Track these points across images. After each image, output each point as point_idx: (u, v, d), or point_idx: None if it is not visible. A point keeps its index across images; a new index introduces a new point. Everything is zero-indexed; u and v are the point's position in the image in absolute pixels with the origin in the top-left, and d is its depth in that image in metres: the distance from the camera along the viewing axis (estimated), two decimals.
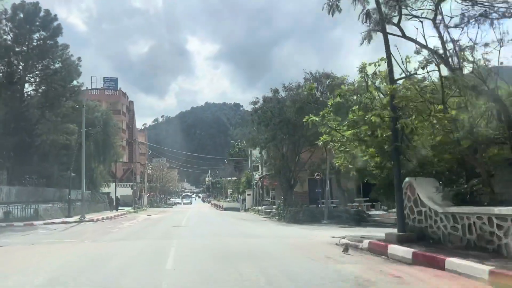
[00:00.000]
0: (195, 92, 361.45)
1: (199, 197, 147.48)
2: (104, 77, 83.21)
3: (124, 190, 72.54)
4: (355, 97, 12.40)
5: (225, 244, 14.19)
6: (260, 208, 45.16)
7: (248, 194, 52.40)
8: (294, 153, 31.08)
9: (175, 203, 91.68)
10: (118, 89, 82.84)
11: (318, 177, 28.96)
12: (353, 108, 12.27)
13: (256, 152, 58.18)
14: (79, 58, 38.75)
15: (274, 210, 37.31)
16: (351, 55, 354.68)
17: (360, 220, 26.35)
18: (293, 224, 26.61)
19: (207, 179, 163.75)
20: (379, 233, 13.35)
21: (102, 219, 33.19)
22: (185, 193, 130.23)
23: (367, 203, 31.33)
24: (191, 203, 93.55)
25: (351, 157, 13.30)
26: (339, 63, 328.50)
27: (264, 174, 44.75)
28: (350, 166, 13.68)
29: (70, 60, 37.83)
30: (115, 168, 59.83)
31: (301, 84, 29.41)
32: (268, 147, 30.83)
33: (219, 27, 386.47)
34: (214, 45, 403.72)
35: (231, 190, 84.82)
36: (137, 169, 79.66)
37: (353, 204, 31.21)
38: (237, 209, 52.16)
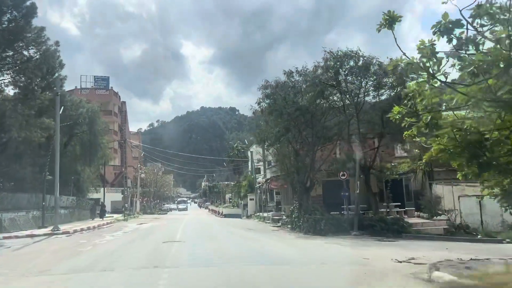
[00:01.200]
0: (190, 97, 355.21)
1: (195, 202, 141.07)
2: (94, 76, 77.48)
3: (116, 196, 66.48)
4: None
5: (247, 281, 8.54)
6: (265, 214, 39.43)
7: (251, 199, 46.71)
8: (311, 150, 25.41)
9: (170, 209, 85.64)
10: (110, 88, 77.05)
11: (344, 177, 23.30)
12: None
13: (258, 151, 52.52)
14: (56, 43, 32.88)
15: (284, 217, 31.64)
16: None
17: (400, 230, 20.71)
18: (314, 237, 20.98)
19: (203, 183, 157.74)
20: (457, 251, 7.89)
21: (82, 230, 27.36)
22: (180, 198, 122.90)
23: (399, 209, 25.71)
24: (186, 209, 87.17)
25: (463, 135, 7.62)
26: None
27: (270, 176, 39.15)
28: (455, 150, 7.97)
29: (46, 44, 32.00)
30: (103, 171, 53.81)
31: (320, 64, 23.78)
32: (281, 142, 25.09)
33: (213, 31, 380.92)
34: (208, 49, 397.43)
35: (230, 195, 79.01)
36: (130, 173, 73.78)
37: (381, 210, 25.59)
38: (238, 216, 46.40)
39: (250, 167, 62.10)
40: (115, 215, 50.12)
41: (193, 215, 58.78)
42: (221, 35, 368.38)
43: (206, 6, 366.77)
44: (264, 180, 42.20)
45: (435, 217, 22.59)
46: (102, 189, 65.18)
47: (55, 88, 29.49)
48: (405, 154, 30.03)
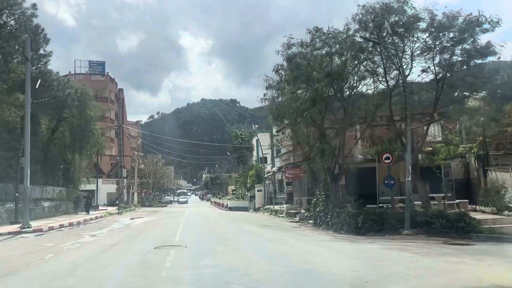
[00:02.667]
0: (190, 88, 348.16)
1: (195, 194, 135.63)
2: (89, 61, 71.92)
3: (112, 187, 61.10)
4: None
5: None
6: (276, 207, 34.26)
7: (258, 191, 41.50)
8: (341, 128, 20.13)
9: (171, 202, 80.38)
10: (105, 74, 71.57)
11: (388, 161, 18.01)
12: None
13: (264, 140, 47.29)
14: (34, 6, 27.51)
15: (303, 211, 26.46)
16: None
17: (467, 229, 15.50)
18: (353, 237, 15.92)
19: (204, 175, 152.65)
20: None
21: (60, 227, 22.14)
22: (181, 190, 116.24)
23: (449, 201, 20.50)
24: (187, 202, 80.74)
25: None
26: None
27: (281, 164, 33.94)
28: None
29: (20, 6, 26.66)
30: (97, 160, 48.55)
31: (354, 22, 18.39)
32: (304, 118, 19.71)
33: (212, 22, 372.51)
34: (207, 40, 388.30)
35: (233, 187, 73.85)
36: (127, 163, 68.54)
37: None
38: (245, 209, 41.22)
39: (255, 155, 56.91)
40: (110, 208, 44.96)
41: (194, 208, 53.58)
42: (219, 26, 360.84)
43: None
44: (275, 169, 36.91)
45: (506, 212, 17.39)
46: (99, 180, 60.74)
47: (27, 57, 23.71)
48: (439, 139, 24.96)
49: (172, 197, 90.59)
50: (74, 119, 40.24)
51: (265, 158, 56.27)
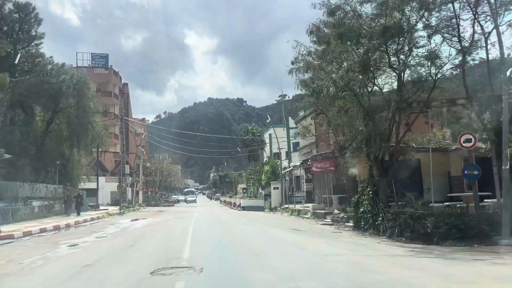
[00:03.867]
0: (197, 88, 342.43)
1: (203, 194, 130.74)
2: (92, 53, 67.43)
3: (116, 186, 56.88)
4: None
5: None
6: (298, 207, 29.49)
7: (275, 188, 36.71)
8: (397, 105, 15.30)
9: (178, 201, 75.71)
10: (109, 67, 67.07)
11: (469, 145, 13.17)
12: None
13: (277, 134, 42.51)
14: None
15: (336, 211, 21.63)
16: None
17: None
18: (428, 247, 11.37)
19: (212, 175, 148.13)
20: None
21: (41, 231, 17.50)
22: (188, 189, 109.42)
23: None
24: (196, 201, 73.17)
25: None
26: None
27: (301, 159, 29.22)
28: None
29: None
30: (97, 156, 44.05)
31: None
32: (349, 90, 14.86)
33: (217, 21, 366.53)
34: (212, 39, 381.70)
35: (243, 185, 69.16)
36: (132, 161, 64.07)
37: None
38: (260, 208, 36.45)
39: (268, 151, 52.18)
40: (112, 208, 40.40)
41: (204, 207, 48.78)
42: (224, 24, 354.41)
43: None
44: (296, 164, 32.05)
45: None
46: (101, 178, 56.25)
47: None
48: None
49: (179, 196, 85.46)
50: (71, 110, 35.73)
51: (277, 154, 51.51)
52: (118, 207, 41.91)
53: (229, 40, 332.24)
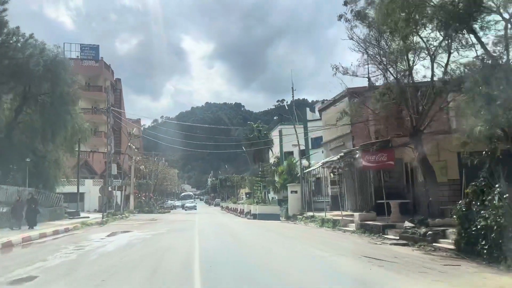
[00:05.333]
0: (193, 92, 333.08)
1: (201, 199, 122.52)
2: (81, 44, 60.15)
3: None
4: None
5: None
6: (329, 216, 22.27)
7: (293, 192, 29.41)
8: None
9: (174, 207, 68.00)
10: (100, 59, 59.82)
11: None
12: None
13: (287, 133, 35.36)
14: None
15: (408, 225, 14.28)
16: (348, 53, 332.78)
17: None
18: None
19: (209, 180, 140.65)
20: None
21: None
22: (186, 193, 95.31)
23: None
24: (196, 208, 61.24)
25: None
26: (336, 61, 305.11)
27: (327, 155, 21.87)
28: None
29: None
30: (78, 153, 36.67)
31: None
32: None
33: (213, 26, 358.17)
34: (208, 44, 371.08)
35: (246, 189, 61.85)
36: (124, 162, 56.64)
37: None
38: (275, 217, 28.92)
39: (278, 151, 44.90)
40: (95, 216, 32.95)
41: (205, 214, 40.92)
42: (220, 29, 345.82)
43: (205, 0, 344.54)
44: (329, 158, 24.65)
45: None
46: (85, 179, 48.80)
47: None
48: None
49: (176, 201, 77.23)
50: (46, 97, 28.56)
51: (290, 152, 44.30)
52: (106, 213, 34.61)
53: (226, 45, 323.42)
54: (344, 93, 24.01)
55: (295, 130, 30.27)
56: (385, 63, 14.25)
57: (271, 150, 50.62)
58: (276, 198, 34.48)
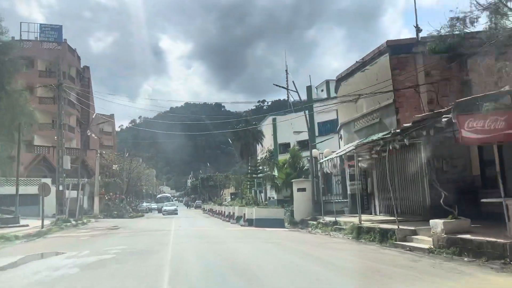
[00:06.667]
0: (172, 93, 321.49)
1: (180, 201, 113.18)
2: (40, 24, 51.37)
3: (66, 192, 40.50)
4: None
5: None
6: (361, 222, 14.81)
7: (300, 190, 21.67)
8: None
9: (150, 210, 59.46)
10: (63, 41, 51.08)
11: None
12: None
13: (281, 125, 28.00)
14: None
15: None
16: (327, 55, 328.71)
17: None
18: None
19: (189, 180, 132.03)
20: None
21: None
22: (163, 195, 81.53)
23: None
24: (177, 212, 48.85)
25: None
26: (315, 63, 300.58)
27: (352, 135, 14.52)
28: None
29: None
30: (18, 143, 28.14)
31: None
32: None
33: (191, 25, 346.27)
34: (186, 44, 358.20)
35: (231, 189, 54.10)
36: (91, 159, 48.08)
37: None
38: (278, 223, 20.84)
39: (275, 140, 37.32)
40: (38, 223, 24.56)
41: (186, 221, 31.82)
42: (198, 29, 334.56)
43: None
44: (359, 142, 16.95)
45: None
46: (41, 179, 40.00)
47: None
48: None
49: (152, 204, 68.11)
50: None
51: (286, 144, 36.84)
52: (55, 219, 26.43)
53: (204, 45, 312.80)
54: (381, 48, 16.69)
55: (305, 115, 22.66)
56: None
57: (261, 144, 42.98)
58: (275, 198, 26.95)
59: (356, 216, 15.68)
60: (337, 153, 17.48)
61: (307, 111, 23.24)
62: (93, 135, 43.50)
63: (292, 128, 34.00)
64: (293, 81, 22.01)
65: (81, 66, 57.24)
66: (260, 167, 32.08)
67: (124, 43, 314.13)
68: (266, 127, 42.49)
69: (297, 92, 21.79)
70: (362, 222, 14.99)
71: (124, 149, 60.58)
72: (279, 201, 25.71)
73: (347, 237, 15.11)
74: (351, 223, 15.73)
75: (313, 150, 22.40)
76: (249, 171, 35.03)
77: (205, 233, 18.15)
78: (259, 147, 43.53)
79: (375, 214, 19.08)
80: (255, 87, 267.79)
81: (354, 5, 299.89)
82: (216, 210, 36.53)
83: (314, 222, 19.80)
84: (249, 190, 37.26)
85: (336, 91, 22.56)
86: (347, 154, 17.13)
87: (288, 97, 26.77)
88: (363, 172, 21.22)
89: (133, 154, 59.41)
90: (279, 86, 21.44)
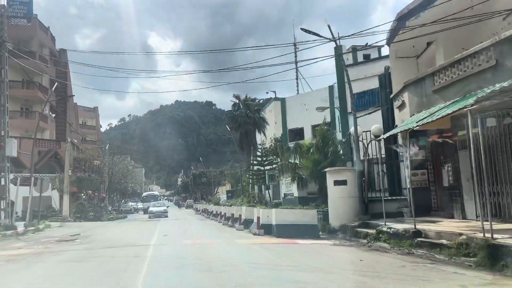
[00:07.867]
0: (162, 91, 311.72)
1: (170, 200, 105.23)
2: None
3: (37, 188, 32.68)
4: None
5: None
6: (443, 228, 7.86)
7: (338, 183, 14.71)
8: None
9: (135, 210, 51.97)
10: (33, 16, 43.38)
11: None
12: None
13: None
14: None
15: None
16: (318, 52, 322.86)
17: None
18: None
19: (179, 179, 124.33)
20: None
21: None
22: (149, 193, 67.59)
23: None
24: (167, 213, 38.00)
25: None
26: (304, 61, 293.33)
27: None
28: None
29: None
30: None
31: None
32: None
33: (180, 23, 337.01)
34: (175, 42, 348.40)
35: (227, 187, 46.99)
36: (64, 151, 40.48)
37: None
38: (310, 231, 13.84)
39: (283, 119, 30.32)
40: None
41: (175, 225, 23.93)
42: (188, 26, 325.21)
43: None
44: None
45: None
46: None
47: None
48: None
49: (139, 204, 59.85)
50: None
51: (297, 130, 29.83)
52: (25, 222, 18.96)
53: (194, 43, 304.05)
54: None
55: (348, 80, 15.72)
56: None
57: (263, 133, 35.91)
58: (295, 195, 19.96)
59: (437, 221, 8.76)
60: (399, 128, 10.54)
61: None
62: (48, 113, 35.98)
63: (306, 109, 27.02)
64: (328, 25, 14.96)
65: (56, 48, 49.55)
66: (270, 157, 24.99)
67: (111, 40, 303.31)
68: (269, 114, 35.46)
69: (331, 33, 14.93)
70: (493, 237, 8.00)
71: (107, 142, 52.93)
72: (300, 200, 18.72)
73: (463, 261, 8.11)
74: (461, 236, 8.76)
75: (374, 126, 15.50)
76: (254, 162, 27.90)
77: (207, 254, 10.73)
78: (259, 137, 36.48)
79: (464, 219, 12.13)
80: (245, 85, 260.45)
81: (343, 3, 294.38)
82: (212, 211, 29.22)
83: (369, 231, 12.78)
84: (251, 186, 30.13)
85: (388, 43, 15.57)
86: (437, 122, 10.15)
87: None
88: (429, 157, 14.49)
89: (121, 152, 51.81)
90: (308, 32, 14.28)
